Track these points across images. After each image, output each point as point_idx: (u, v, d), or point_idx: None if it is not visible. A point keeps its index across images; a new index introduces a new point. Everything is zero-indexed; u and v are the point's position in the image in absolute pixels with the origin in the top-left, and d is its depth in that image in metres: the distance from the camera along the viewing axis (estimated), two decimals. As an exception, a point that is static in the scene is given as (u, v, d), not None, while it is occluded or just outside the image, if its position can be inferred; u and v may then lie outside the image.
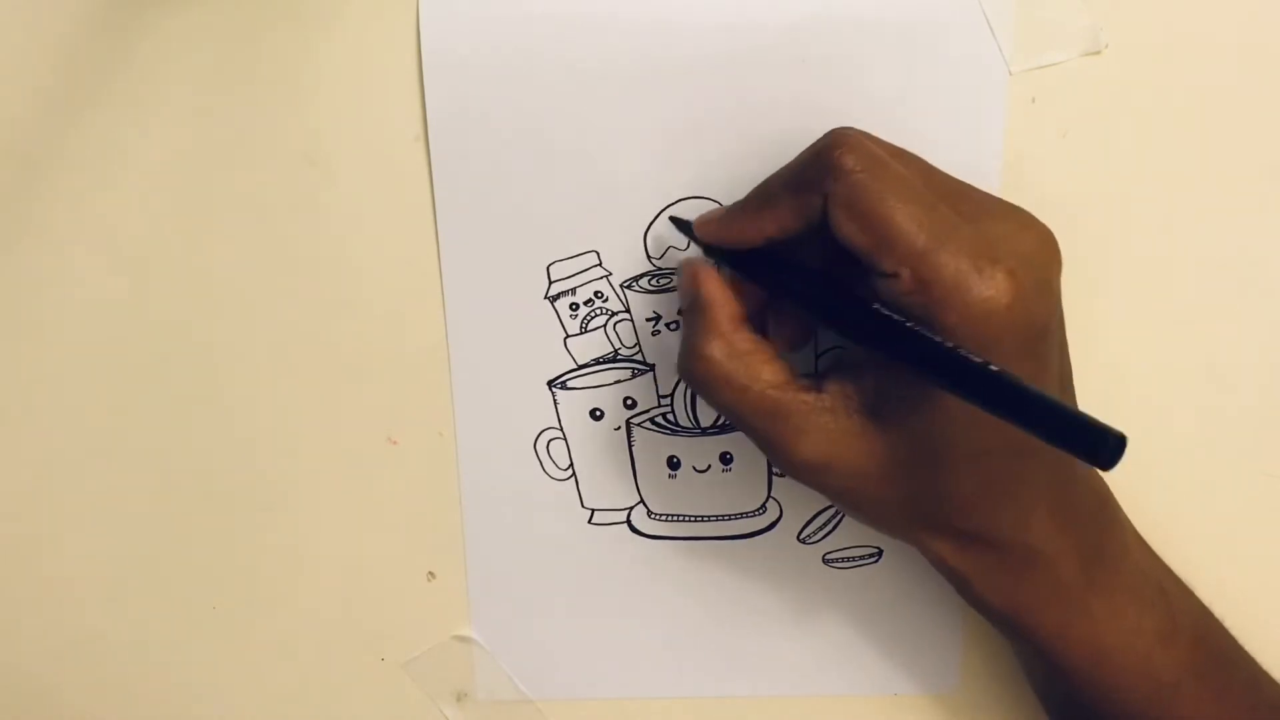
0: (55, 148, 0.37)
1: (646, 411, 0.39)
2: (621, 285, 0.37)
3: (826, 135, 0.30)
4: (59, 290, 0.39)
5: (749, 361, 0.31)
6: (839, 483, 0.31)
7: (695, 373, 0.32)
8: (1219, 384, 0.37)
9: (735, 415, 0.32)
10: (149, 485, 0.40)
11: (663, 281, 0.37)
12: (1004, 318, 0.28)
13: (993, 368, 0.26)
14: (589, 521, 0.40)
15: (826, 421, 0.31)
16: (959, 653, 0.40)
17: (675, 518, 0.40)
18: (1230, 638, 0.36)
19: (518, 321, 0.38)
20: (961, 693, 0.40)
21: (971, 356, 0.26)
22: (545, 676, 0.41)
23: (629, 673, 0.41)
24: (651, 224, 0.37)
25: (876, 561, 0.39)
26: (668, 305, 0.38)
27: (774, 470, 0.39)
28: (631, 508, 0.40)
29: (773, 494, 0.39)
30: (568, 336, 0.38)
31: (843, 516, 0.39)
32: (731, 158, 0.36)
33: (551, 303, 0.38)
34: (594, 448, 0.39)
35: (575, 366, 0.38)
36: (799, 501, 0.39)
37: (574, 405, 0.39)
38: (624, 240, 0.37)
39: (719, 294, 0.32)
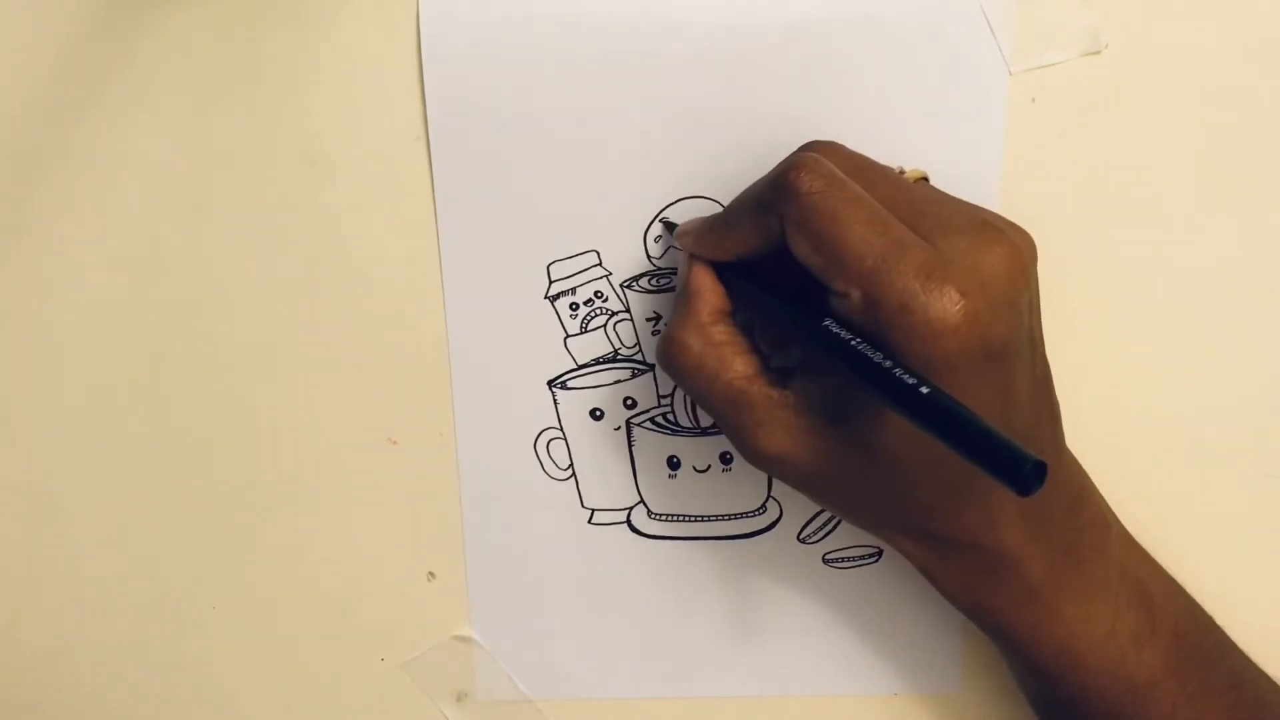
0: (55, 148, 0.37)
1: (646, 411, 0.39)
2: (621, 285, 0.37)
3: (790, 156, 0.31)
4: (59, 290, 0.39)
5: (722, 352, 0.32)
6: (799, 476, 0.32)
7: (670, 357, 0.33)
8: (1218, 384, 0.37)
9: (703, 402, 0.33)
10: (149, 485, 0.40)
11: (663, 281, 0.37)
12: (954, 338, 0.28)
13: (923, 389, 0.26)
14: (589, 521, 0.40)
15: (787, 417, 0.31)
16: (959, 653, 0.40)
17: (675, 518, 0.40)
18: (1217, 635, 0.36)
19: (518, 321, 0.38)
20: (961, 693, 0.40)
21: (905, 376, 0.27)
22: (545, 676, 0.41)
23: (629, 673, 0.41)
24: (651, 224, 0.37)
25: (876, 561, 0.39)
26: (668, 305, 0.38)
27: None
28: (631, 508, 0.40)
29: (773, 494, 0.39)
30: (568, 336, 0.38)
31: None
32: (731, 157, 0.36)
33: (551, 303, 0.38)
34: (594, 448, 0.39)
35: (575, 366, 0.38)
36: (799, 501, 0.39)
37: (574, 405, 0.39)
38: (624, 240, 0.37)
39: (705, 286, 0.33)
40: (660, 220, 0.37)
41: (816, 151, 0.31)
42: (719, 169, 0.36)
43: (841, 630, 0.40)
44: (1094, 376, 0.35)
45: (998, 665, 0.40)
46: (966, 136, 0.35)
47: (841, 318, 0.30)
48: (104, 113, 0.37)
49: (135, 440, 0.40)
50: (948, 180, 0.34)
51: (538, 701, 0.42)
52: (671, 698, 0.41)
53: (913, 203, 0.31)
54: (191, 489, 0.40)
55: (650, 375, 0.38)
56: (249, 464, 0.40)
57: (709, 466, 0.39)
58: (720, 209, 0.36)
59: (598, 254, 0.37)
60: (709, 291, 0.33)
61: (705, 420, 0.39)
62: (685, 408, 0.38)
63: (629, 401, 0.38)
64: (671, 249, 0.37)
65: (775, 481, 0.39)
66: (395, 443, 0.39)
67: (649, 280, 0.37)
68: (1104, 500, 0.35)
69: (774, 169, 0.31)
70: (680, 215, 0.36)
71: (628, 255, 0.37)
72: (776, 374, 0.32)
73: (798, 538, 0.39)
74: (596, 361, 0.38)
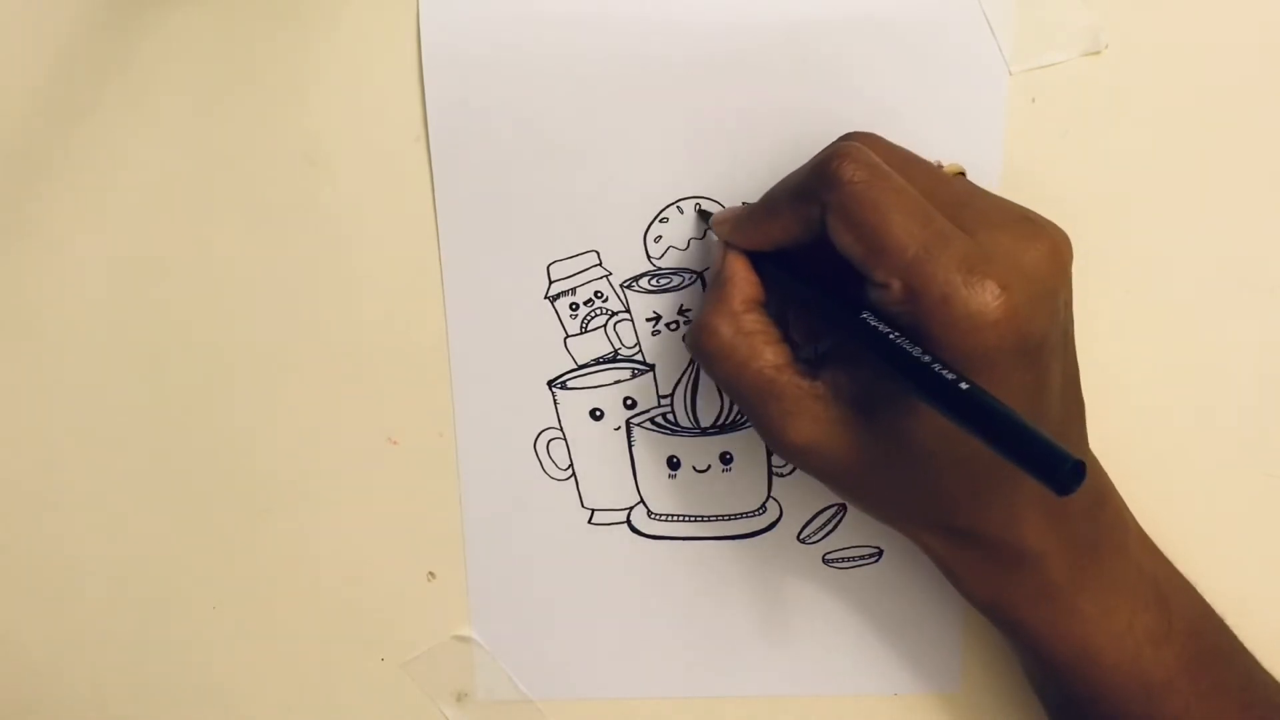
0: (55, 148, 0.37)
1: (646, 411, 0.39)
2: (621, 285, 0.37)
3: (831, 145, 0.31)
4: (59, 290, 0.39)
5: (753, 340, 0.32)
6: (826, 468, 0.32)
7: (700, 343, 0.33)
8: (1219, 384, 0.37)
9: (732, 390, 0.32)
10: (149, 485, 0.40)
11: (663, 281, 0.37)
12: (994, 332, 0.28)
13: (962, 385, 0.26)
14: (589, 521, 0.40)
15: (817, 408, 0.31)
16: (959, 653, 0.40)
17: (675, 518, 0.40)
18: (1228, 636, 0.36)
19: (518, 321, 0.38)
20: (962, 692, 0.40)
21: (944, 372, 0.27)
22: (545, 676, 0.41)
23: (629, 673, 0.41)
24: (651, 224, 0.37)
25: (876, 561, 0.39)
26: (668, 305, 0.38)
27: (774, 470, 0.39)
28: (631, 508, 0.40)
29: (773, 494, 0.39)
30: (568, 336, 0.38)
31: (843, 516, 0.39)
32: (732, 157, 0.36)
33: (551, 303, 0.38)
34: (594, 448, 0.39)
35: (575, 366, 0.38)
36: (799, 501, 0.39)
37: (574, 405, 0.39)
38: (624, 240, 0.37)
39: (739, 274, 0.33)
40: (695, 208, 0.36)
41: (857, 141, 0.31)
42: (719, 169, 0.36)
43: (841, 630, 0.40)
44: (1094, 376, 0.35)
45: (998, 665, 0.40)
46: (966, 136, 0.35)
47: (879, 309, 0.29)
48: (104, 113, 0.37)
49: (135, 440, 0.40)
50: (948, 180, 0.34)
51: (538, 701, 0.42)
52: (671, 698, 0.41)
53: (953, 196, 0.31)
54: (192, 489, 0.40)
55: (650, 375, 0.38)
56: (249, 464, 0.40)
57: (709, 466, 0.39)
58: (719, 208, 0.36)
59: (598, 254, 0.37)
60: (742, 280, 0.33)
61: (705, 420, 0.39)
62: (685, 408, 0.38)
63: (629, 401, 0.38)
64: (672, 249, 0.37)
65: (775, 481, 0.39)
66: (395, 443, 0.39)
67: (649, 280, 0.37)
68: (1122, 500, 0.35)
69: (815, 157, 0.31)
70: (679, 213, 0.36)
71: (628, 255, 0.37)
72: (806, 365, 0.32)
73: (798, 538, 0.39)
74: (596, 361, 0.38)
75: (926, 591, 0.39)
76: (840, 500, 0.39)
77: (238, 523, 0.41)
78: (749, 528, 0.39)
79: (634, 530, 0.40)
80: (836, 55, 0.35)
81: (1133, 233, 0.36)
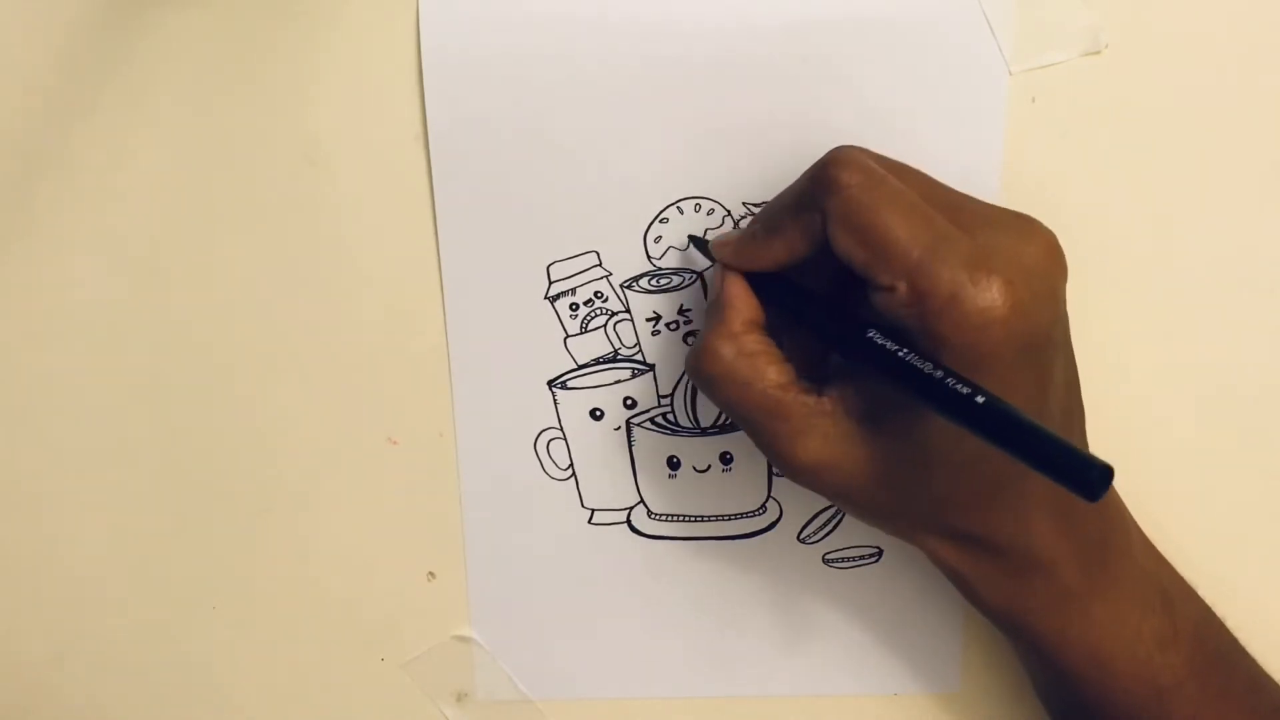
0: (55, 148, 0.37)
1: (646, 411, 0.39)
2: (621, 285, 0.37)
3: (826, 154, 0.31)
4: (60, 290, 0.39)
5: (755, 361, 0.32)
6: (835, 485, 0.32)
7: (702, 367, 0.32)
8: (1219, 384, 0.37)
9: (737, 412, 0.32)
10: (149, 485, 0.40)
11: (663, 281, 0.37)
12: (1001, 329, 0.28)
13: (979, 399, 0.26)
14: (589, 521, 0.40)
15: (825, 425, 0.31)
16: (959, 653, 0.40)
17: (675, 518, 0.40)
18: (1232, 640, 0.36)
19: (518, 321, 0.38)
20: (962, 693, 0.40)
21: (960, 387, 0.27)
22: (545, 676, 0.41)
23: (629, 673, 0.41)
24: (651, 224, 0.37)
25: (876, 561, 0.39)
26: (668, 305, 0.38)
27: (774, 470, 0.39)
28: (631, 508, 0.40)
29: (773, 494, 0.39)
30: (568, 336, 0.38)
31: (843, 516, 0.39)
32: (731, 157, 0.36)
33: (551, 303, 0.38)
34: (594, 448, 0.39)
35: (575, 366, 0.38)
36: (799, 501, 0.39)
37: (574, 405, 0.39)
38: (624, 240, 0.37)
39: (738, 296, 0.33)
40: (688, 237, 0.36)
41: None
42: (719, 169, 0.36)
43: (841, 630, 0.40)
44: (1093, 376, 0.35)
45: (998, 665, 0.40)
46: (966, 136, 0.35)
47: (882, 318, 0.29)
48: (104, 113, 0.37)
49: (135, 440, 0.40)
50: (948, 180, 0.34)
51: (538, 701, 0.42)
52: (671, 698, 0.41)
53: (948, 199, 0.31)
54: (192, 489, 0.40)
55: (650, 375, 0.38)
56: (249, 464, 0.40)
57: (709, 466, 0.39)
58: (717, 207, 0.36)
59: (598, 254, 0.37)
60: (741, 301, 0.33)
61: (705, 420, 0.39)
62: (685, 408, 0.38)
63: (629, 401, 0.38)
64: (671, 249, 0.37)
65: (776, 481, 0.39)
66: (395, 443, 0.39)
67: (649, 280, 0.37)
68: (1123, 503, 0.35)
69: (810, 168, 0.31)
70: (679, 214, 0.36)
71: (628, 255, 0.37)
72: (810, 382, 0.32)
73: (798, 538, 0.39)
74: (596, 361, 0.38)
75: (926, 591, 0.39)
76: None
77: (238, 523, 0.41)
78: (749, 528, 0.39)
79: (634, 530, 0.40)
80: (836, 55, 0.35)
81: (1132, 232, 0.36)
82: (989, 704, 0.40)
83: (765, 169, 0.36)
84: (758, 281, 0.33)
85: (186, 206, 0.38)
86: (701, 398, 0.38)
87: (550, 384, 0.38)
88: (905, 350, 0.29)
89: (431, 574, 0.41)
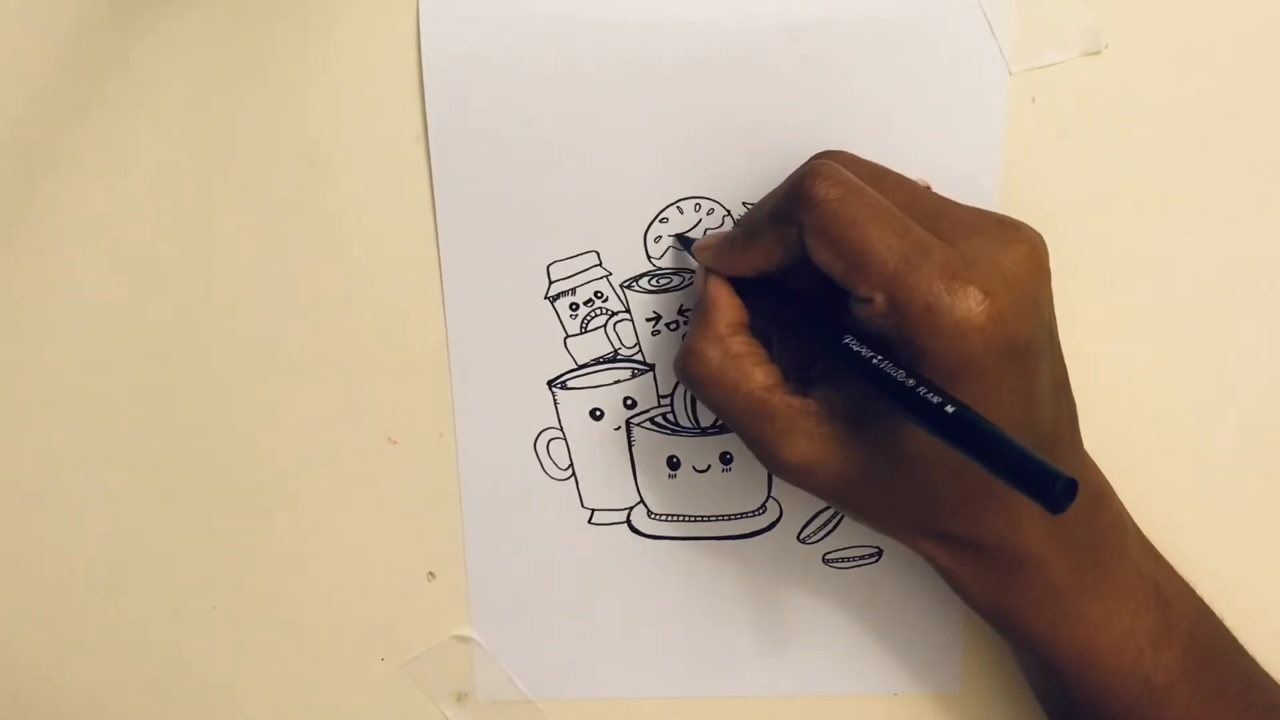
0: (55, 148, 0.37)
1: (646, 411, 0.39)
2: (621, 285, 0.37)
3: (803, 165, 0.31)
4: (59, 290, 0.39)
5: (741, 363, 0.32)
6: (822, 485, 0.32)
7: (688, 369, 0.33)
8: (1219, 384, 0.37)
9: (724, 413, 0.32)
10: (149, 485, 0.40)
11: (663, 281, 0.37)
12: (979, 337, 0.28)
13: (948, 408, 0.26)
14: (589, 521, 0.40)
15: (810, 425, 0.31)
16: (959, 653, 0.40)
17: (675, 518, 0.40)
18: (1228, 638, 0.36)
19: (518, 321, 0.38)
20: (962, 693, 0.40)
21: (930, 395, 0.27)
22: (545, 676, 0.41)
23: (629, 673, 0.41)
24: (651, 224, 0.37)
25: (876, 561, 0.39)
26: (668, 305, 0.38)
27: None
28: (631, 508, 0.40)
29: (773, 494, 0.39)
30: (568, 336, 0.38)
31: (843, 517, 0.39)
32: (731, 157, 0.36)
33: (551, 303, 0.38)
34: (594, 448, 0.39)
35: (575, 366, 0.38)
36: (799, 501, 0.39)
37: (574, 405, 0.39)
38: (624, 240, 0.37)
39: (722, 298, 0.33)
40: (674, 236, 0.37)
41: (829, 159, 0.31)
42: (719, 169, 0.36)
43: (841, 630, 0.40)
44: (1094, 376, 0.35)
45: (998, 665, 0.40)
46: (966, 136, 0.35)
47: (864, 326, 0.29)
48: (104, 113, 0.37)
49: (135, 440, 0.40)
50: (948, 180, 0.34)
51: (538, 701, 0.42)
52: (671, 698, 0.41)
53: (929, 206, 0.31)
54: (191, 489, 0.40)
55: (650, 375, 0.38)
56: (249, 464, 0.40)
57: (709, 466, 0.39)
58: (717, 206, 0.36)
59: (598, 254, 0.37)
60: (726, 304, 0.33)
61: (705, 420, 0.39)
62: (685, 408, 0.38)
63: (629, 401, 0.38)
64: (672, 249, 0.37)
65: (775, 481, 0.39)
66: (395, 443, 0.39)
67: (649, 280, 0.37)
68: (1120, 502, 0.35)
69: (788, 179, 0.31)
70: (679, 213, 0.37)
71: (628, 255, 0.37)
72: (796, 383, 0.32)
73: (798, 538, 0.39)
74: (596, 361, 0.38)
75: (926, 591, 0.39)
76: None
77: (238, 523, 0.41)
78: (749, 528, 0.39)
79: (634, 530, 0.40)
80: (836, 55, 0.35)
81: (1132, 232, 0.36)
82: (989, 704, 0.40)
83: (765, 169, 0.36)
84: (742, 283, 0.33)
85: (186, 206, 0.38)
86: (701, 398, 0.38)
87: (550, 384, 0.38)
88: (879, 358, 0.29)
89: (431, 574, 0.41)
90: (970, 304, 0.28)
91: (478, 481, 0.39)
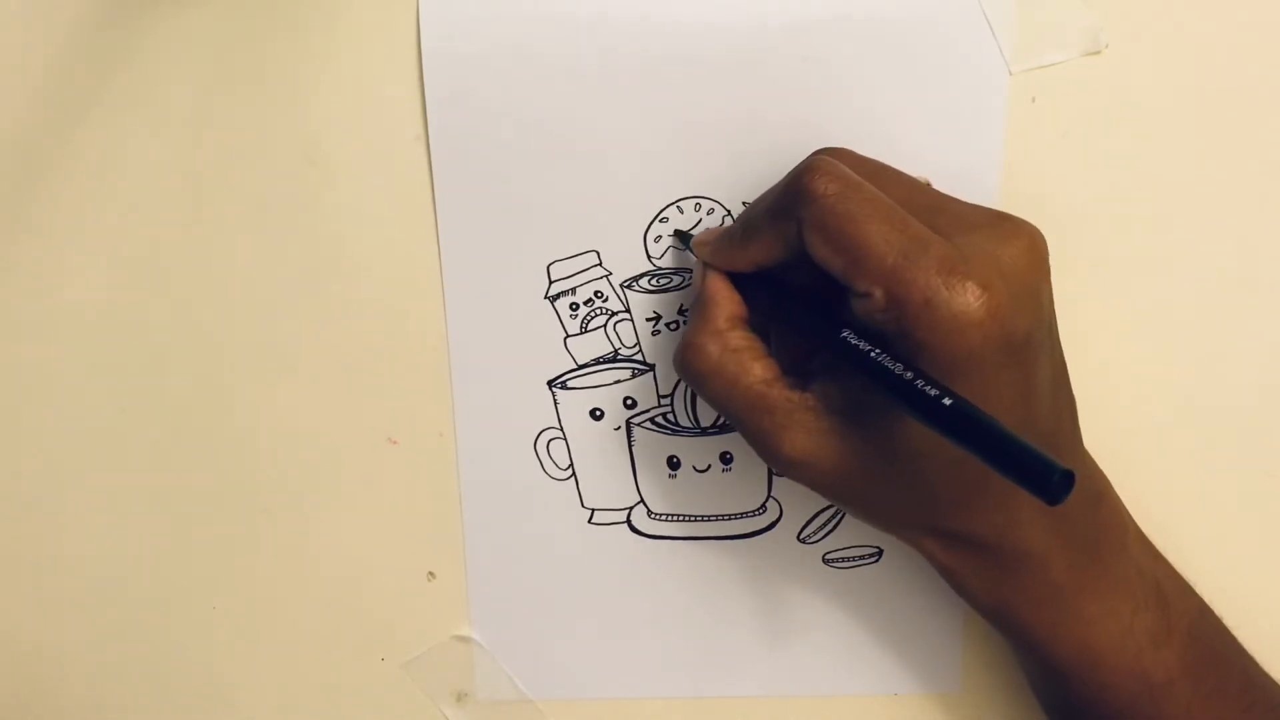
0: (55, 148, 0.37)
1: (646, 411, 0.39)
2: (621, 285, 0.37)
3: (802, 161, 0.31)
4: (59, 290, 0.39)
5: (740, 357, 0.32)
6: (821, 479, 0.32)
7: (688, 363, 0.33)
8: (1219, 384, 0.37)
9: (724, 407, 0.32)
10: (149, 485, 0.40)
11: (663, 281, 0.37)
12: (978, 332, 0.28)
13: (945, 400, 0.26)
14: (589, 521, 0.40)
15: (809, 419, 0.31)
16: (959, 653, 0.40)
17: (675, 518, 0.40)
18: (1228, 637, 0.36)
19: (518, 321, 0.38)
20: (961, 693, 0.40)
21: (927, 388, 0.27)
22: (545, 676, 0.41)
23: (629, 673, 0.41)
24: (651, 224, 0.37)
25: (876, 561, 0.39)
26: (668, 305, 0.38)
27: (774, 470, 0.39)
28: (631, 508, 0.40)
29: (773, 494, 0.39)
30: (568, 336, 0.38)
31: (843, 516, 0.39)
32: (731, 157, 0.36)
33: (551, 303, 0.38)
34: (594, 448, 0.39)
35: (575, 366, 0.38)
36: (799, 501, 0.39)
37: (574, 405, 0.39)
38: (624, 240, 0.37)
39: (721, 293, 0.33)
40: (674, 231, 0.37)
41: (828, 155, 0.31)
42: (719, 168, 0.36)
43: (841, 630, 0.40)
44: (1093, 376, 0.35)
45: (998, 665, 0.40)
46: (966, 136, 0.35)
47: (862, 321, 0.30)
48: (104, 113, 0.37)
49: (135, 440, 0.40)
50: (948, 180, 0.34)
51: (538, 701, 0.42)
52: (671, 698, 0.41)
53: (928, 202, 0.31)
54: (192, 489, 0.40)
55: (650, 375, 0.38)
56: (249, 464, 0.40)
57: (709, 466, 0.39)
58: (717, 206, 0.36)
59: (598, 254, 0.37)
60: (724, 299, 0.33)
61: (705, 420, 0.39)
62: (685, 408, 0.38)
63: (629, 401, 0.38)
64: (672, 249, 0.37)
65: (775, 481, 0.39)
66: (395, 443, 0.39)
67: (649, 280, 0.37)
68: (1119, 499, 0.35)
69: (787, 175, 0.31)
70: (679, 213, 0.37)
71: (628, 255, 0.37)
72: (795, 378, 0.32)
73: (798, 538, 0.39)
74: (596, 361, 0.38)
75: (926, 591, 0.39)
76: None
77: (238, 523, 0.41)
78: (749, 528, 0.39)
79: (634, 530, 0.40)
80: (836, 55, 0.35)
81: (1132, 232, 0.36)
82: (989, 704, 0.40)
83: (765, 168, 0.36)
84: (741, 279, 0.33)
85: (186, 206, 0.38)
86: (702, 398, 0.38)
87: (550, 384, 0.38)
88: (877, 351, 0.29)
89: (431, 574, 0.41)
90: (968, 299, 0.28)
91: (478, 481, 0.39)
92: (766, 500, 0.39)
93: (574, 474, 0.39)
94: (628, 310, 0.38)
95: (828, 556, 0.40)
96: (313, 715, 0.43)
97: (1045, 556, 0.32)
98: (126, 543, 0.41)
